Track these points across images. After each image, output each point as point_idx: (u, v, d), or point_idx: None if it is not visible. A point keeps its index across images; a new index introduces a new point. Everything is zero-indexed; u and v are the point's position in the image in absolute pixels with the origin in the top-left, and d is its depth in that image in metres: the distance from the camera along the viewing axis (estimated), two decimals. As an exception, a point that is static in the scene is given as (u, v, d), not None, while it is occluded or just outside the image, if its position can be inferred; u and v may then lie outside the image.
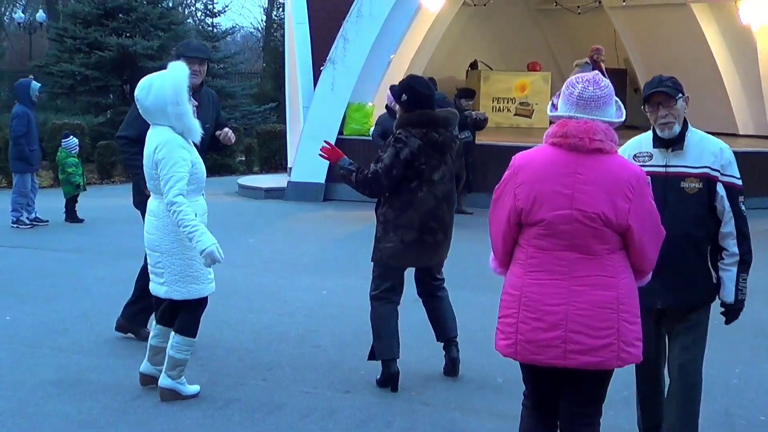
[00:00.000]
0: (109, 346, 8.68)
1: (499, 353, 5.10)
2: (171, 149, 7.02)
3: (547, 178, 4.84)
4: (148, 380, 7.44)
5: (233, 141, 8.71)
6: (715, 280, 5.87)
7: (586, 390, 5.04)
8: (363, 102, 21.28)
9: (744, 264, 5.81)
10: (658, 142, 5.85)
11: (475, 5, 28.40)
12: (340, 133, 20.89)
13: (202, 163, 7.31)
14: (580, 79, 4.94)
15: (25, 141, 16.45)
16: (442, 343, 7.95)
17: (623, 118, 4.98)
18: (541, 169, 4.88)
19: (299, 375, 7.97)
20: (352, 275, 11.82)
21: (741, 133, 24.14)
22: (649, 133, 5.94)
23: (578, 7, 28.38)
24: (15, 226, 16.45)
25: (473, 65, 28.91)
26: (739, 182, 5.81)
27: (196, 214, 7.02)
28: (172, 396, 7.29)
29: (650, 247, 4.96)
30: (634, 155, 5.92)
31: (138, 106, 7.23)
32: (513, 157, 5.03)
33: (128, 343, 8.66)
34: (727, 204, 5.74)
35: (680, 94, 5.81)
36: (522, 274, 4.92)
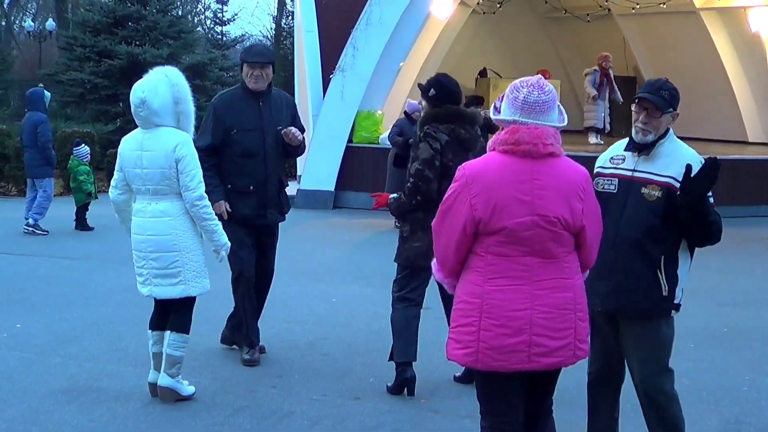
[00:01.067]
0: (120, 354, 8.70)
1: (456, 363, 5.12)
2: (190, 147, 7.23)
3: (504, 186, 4.81)
4: (156, 389, 7.45)
5: (300, 139, 8.53)
6: (665, 293, 5.64)
7: (543, 387, 5.14)
8: (372, 110, 21.32)
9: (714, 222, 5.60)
10: (631, 145, 5.77)
11: (484, 13, 28.46)
12: (350, 140, 20.94)
13: None
14: (525, 84, 4.92)
15: (52, 146, 16.92)
16: None
17: (565, 123, 4.99)
18: (497, 178, 4.83)
19: (309, 382, 7.98)
20: (362, 283, 11.84)
21: (750, 140, 24.12)
22: (629, 137, 5.87)
23: (587, 14, 28.40)
24: (29, 230, 16.58)
25: (482, 73, 28.96)
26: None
27: None
28: (172, 396, 7.34)
29: (596, 243, 5.09)
30: (611, 157, 5.88)
31: (140, 109, 7.25)
32: (460, 167, 4.98)
33: (138, 351, 8.67)
34: (696, 214, 5.52)
35: (671, 109, 5.70)
36: (482, 282, 4.86)
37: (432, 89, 7.68)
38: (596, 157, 6.08)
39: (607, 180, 5.80)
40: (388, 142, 17.74)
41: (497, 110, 4.99)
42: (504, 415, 5.04)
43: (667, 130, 5.75)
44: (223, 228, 8.08)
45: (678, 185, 5.50)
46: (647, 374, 5.77)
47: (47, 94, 17.36)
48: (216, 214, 7.70)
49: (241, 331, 8.58)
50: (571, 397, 7.67)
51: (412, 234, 7.66)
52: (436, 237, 5.07)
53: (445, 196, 4.99)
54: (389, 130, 18.08)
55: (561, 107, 5.01)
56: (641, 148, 5.73)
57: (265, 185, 8.41)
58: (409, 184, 7.57)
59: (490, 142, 4.98)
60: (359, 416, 7.22)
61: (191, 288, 7.31)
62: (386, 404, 7.48)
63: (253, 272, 8.46)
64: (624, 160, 5.79)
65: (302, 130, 8.73)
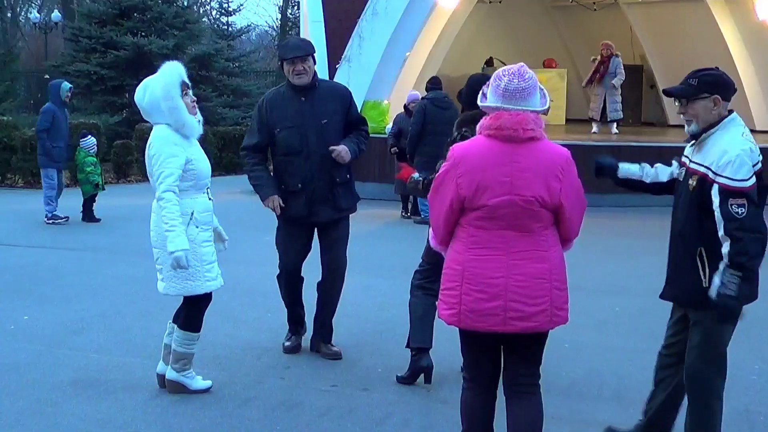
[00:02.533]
0: (127, 346, 8.70)
1: (443, 322, 5.50)
2: (161, 145, 7.08)
3: (487, 168, 5.21)
4: (164, 381, 7.46)
5: (346, 160, 8.28)
6: (705, 284, 5.59)
7: (524, 352, 5.46)
8: (379, 100, 21.31)
9: (734, 264, 5.45)
10: (690, 137, 5.84)
11: (490, 2, 28.42)
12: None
13: (205, 161, 7.30)
14: (506, 72, 5.28)
15: (47, 136, 16.94)
16: None
17: (547, 106, 5.34)
18: (481, 160, 5.24)
19: (317, 373, 7.98)
20: (371, 274, 11.83)
21: (757, 128, 24.10)
22: None
23: (594, 3, 28.36)
24: (50, 222, 16.78)
25: (489, 62, 28.88)
26: (737, 184, 5.48)
27: (193, 213, 7.12)
28: (178, 388, 7.33)
29: (577, 218, 5.41)
30: (684, 155, 5.95)
31: (140, 109, 7.28)
32: (450, 149, 5.42)
33: (146, 343, 8.67)
34: (717, 205, 5.49)
35: (705, 94, 5.66)
36: (464, 251, 5.32)
37: (462, 92, 7.63)
38: (595, 147, 6.17)
39: (681, 169, 5.92)
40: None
41: (484, 96, 5.37)
42: (479, 367, 5.54)
43: (722, 119, 5.70)
44: (278, 224, 8.32)
45: (710, 175, 5.54)
46: (689, 362, 5.82)
47: (65, 85, 17.42)
48: (271, 209, 8.00)
49: (322, 333, 8.57)
50: (580, 387, 7.68)
51: None
52: (430, 208, 5.56)
53: (438, 172, 5.49)
54: (390, 126, 18.13)
55: (544, 91, 5.37)
56: (695, 138, 5.79)
57: (311, 182, 8.17)
58: (432, 177, 7.53)
59: (477, 126, 5.39)
60: (368, 407, 7.21)
61: (169, 287, 7.22)
62: (395, 395, 7.47)
63: (296, 272, 8.42)
64: (690, 154, 5.86)
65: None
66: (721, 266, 5.47)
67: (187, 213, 7.11)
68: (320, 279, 8.48)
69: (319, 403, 7.25)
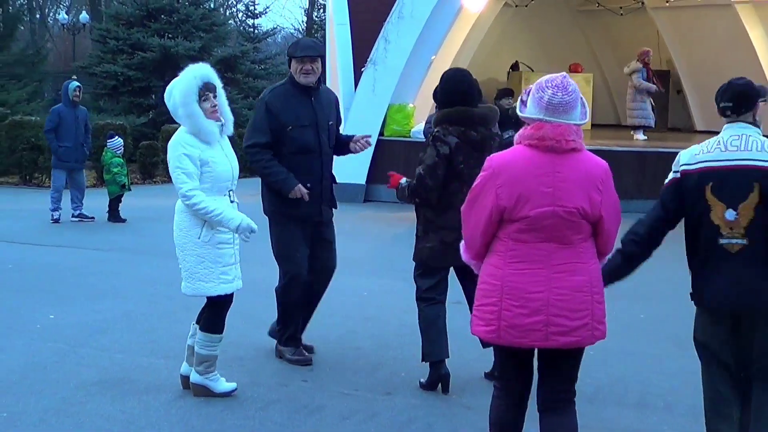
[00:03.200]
0: (151, 346, 8.72)
1: (478, 337, 5.47)
2: (175, 147, 7.13)
3: (529, 178, 5.15)
4: (187, 382, 7.47)
5: (364, 149, 8.60)
6: None
7: (563, 368, 5.40)
8: (404, 103, 21.29)
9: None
10: None
11: (516, 6, 28.36)
12: (381, 134, 20.90)
13: (225, 164, 7.25)
14: (550, 84, 5.20)
15: (54, 137, 17.22)
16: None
17: (587, 119, 5.33)
18: (522, 170, 5.18)
19: (340, 376, 7.98)
20: (393, 276, 11.82)
21: (785, 135, 23.96)
22: None
23: (620, 7, 28.27)
24: (76, 220, 17.11)
25: (514, 66, 28.86)
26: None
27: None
28: (202, 391, 7.34)
29: (613, 232, 5.37)
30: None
31: None
32: (488, 159, 5.36)
33: (170, 344, 8.69)
34: None
35: (763, 99, 5.79)
36: (502, 265, 5.23)
37: (437, 90, 7.63)
38: (621, 153, 6.14)
39: None
40: (420, 136, 17.74)
41: (524, 105, 5.30)
42: (514, 381, 5.45)
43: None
44: (280, 228, 8.22)
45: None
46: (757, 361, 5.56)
47: (71, 84, 17.65)
48: (290, 200, 7.98)
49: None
50: (604, 394, 7.65)
51: (425, 234, 7.65)
52: (464, 222, 5.43)
53: (474, 184, 5.34)
54: (420, 124, 18.08)
55: (584, 102, 5.30)
56: None
57: (320, 182, 8.25)
58: (412, 184, 7.53)
59: (516, 136, 5.31)
60: (390, 411, 7.21)
61: (185, 287, 7.26)
62: (418, 399, 7.46)
63: (305, 275, 8.28)
64: None
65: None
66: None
67: None
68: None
69: (342, 407, 7.25)
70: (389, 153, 20.83)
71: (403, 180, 7.72)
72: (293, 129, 8.11)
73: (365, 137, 8.56)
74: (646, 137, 22.56)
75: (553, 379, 5.41)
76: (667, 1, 26.33)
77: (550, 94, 5.17)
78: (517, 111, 5.36)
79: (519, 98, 5.38)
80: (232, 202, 7.30)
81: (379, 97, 20.92)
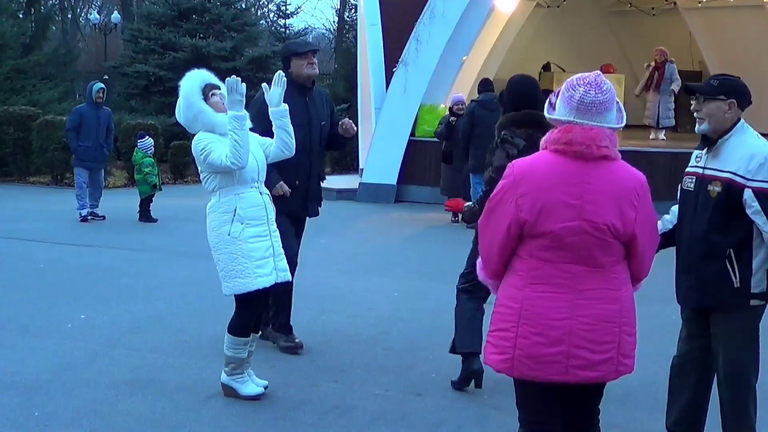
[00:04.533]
0: (183, 346, 8.73)
1: (492, 368, 4.93)
2: (197, 143, 7.19)
3: (553, 188, 4.61)
4: (225, 390, 7.48)
5: (353, 131, 8.70)
6: (737, 284, 5.66)
7: (583, 401, 5.00)
8: (435, 103, 21.30)
9: None
10: (701, 141, 5.86)
11: (548, 7, 28.29)
12: (412, 134, 20.92)
13: (252, 157, 7.24)
14: (582, 82, 4.68)
15: (75, 136, 17.52)
16: None
17: (623, 123, 4.77)
18: (546, 178, 4.63)
19: (371, 377, 7.96)
20: (424, 277, 11.81)
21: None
22: None
23: (652, 8, 28.15)
24: (81, 221, 17.27)
25: (546, 67, 28.79)
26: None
27: (236, 209, 7.12)
28: (230, 392, 7.36)
29: (650, 254, 4.86)
30: (696, 156, 5.93)
31: None
32: (509, 165, 4.81)
33: (201, 344, 8.71)
34: (758, 209, 5.55)
35: (722, 96, 5.73)
36: (522, 286, 4.70)
37: (503, 94, 7.60)
38: (658, 153, 6.16)
39: (689, 178, 5.89)
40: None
41: (552, 107, 4.80)
42: (541, 424, 4.92)
43: (734, 125, 5.76)
44: (278, 218, 8.06)
45: (737, 179, 5.57)
46: (727, 363, 5.81)
47: (96, 86, 17.88)
48: (280, 195, 8.19)
49: (283, 323, 8.77)
50: (635, 396, 7.60)
51: None
52: (481, 234, 4.92)
53: (493, 193, 4.83)
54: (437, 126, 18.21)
55: (620, 106, 4.76)
56: (708, 145, 5.79)
57: (308, 180, 8.59)
58: (483, 191, 7.50)
59: (542, 140, 4.81)
60: (421, 412, 7.19)
61: (225, 287, 7.25)
62: (449, 400, 7.44)
63: (296, 261, 8.61)
64: (701, 158, 5.86)
65: (336, 124, 8.79)
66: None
67: (230, 210, 7.15)
68: None
69: (373, 408, 7.24)
70: (420, 153, 20.86)
71: (467, 204, 7.72)
72: None
73: (348, 122, 8.67)
74: (660, 137, 22.60)
75: (573, 410, 4.99)
76: (699, 2, 26.20)
77: (581, 92, 4.63)
78: (545, 113, 4.83)
79: (548, 100, 4.85)
80: (261, 194, 7.32)
81: (411, 97, 20.93)
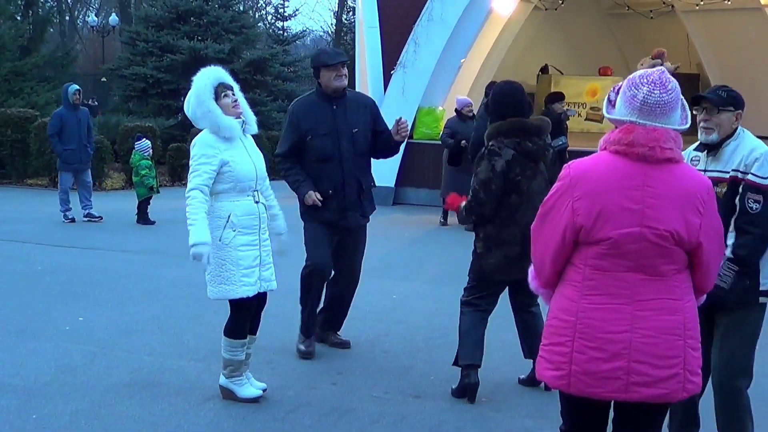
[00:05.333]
0: (181, 349, 8.72)
1: (547, 383, 4.66)
2: (196, 147, 7.16)
3: (612, 191, 4.31)
4: (224, 393, 7.47)
5: (406, 131, 8.55)
6: (748, 282, 5.73)
7: (645, 422, 4.58)
8: (433, 106, 21.31)
9: (735, 256, 5.66)
10: (701, 145, 5.90)
11: (546, 9, 28.31)
12: (410, 137, 20.88)
13: (247, 163, 7.19)
14: (645, 81, 4.37)
15: (58, 140, 17.62)
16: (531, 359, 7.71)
17: (688, 124, 4.45)
18: (605, 181, 4.33)
19: (370, 380, 7.95)
20: (422, 280, 11.81)
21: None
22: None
23: (650, 11, 28.16)
24: (64, 221, 17.45)
25: (544, 69, 28.81)
26: (758, 180, 5.67)
27: (230, 216, 7.09)
28: (228, 394, 7.35)
29: (715, 264, 4.55)
30: (691, 158, 5.95)
31: None
32: (566, 166, 4.48)
33: (199, 346, 8.70)
34: (737, 199, 5.69)
35: (730, 108, 5.79)
36: (578, 298, 4.39)
37: (489, 102, 7.58)
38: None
39: None
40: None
41: (612, 104, 4.51)
42: None
43: (735, 131, 5.83)
44: (308, 225, 8.50)
45: (739, 176, 5.67)
46: (727, 365, 5.86)
47: (71, 88, 17.98)
48: (309, 205, 8.30)
49: (332, 324, 8.93)
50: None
51: (486, 251, 7.43)
52: (533, 241, 4.60)
53: (547, 196, 4.52)
54: (443, 131, 18.11)
55: (685, 104, 4.47)
56: (710, 148, 5.84)
57: (343, 189, 8.44)
58: (466, 202, 7.47)
59: (601, 141, 4.50)
60: (420, 414, 7.17)
61: (210, 291, 7.25)
62: (447, 402, 7.43)
63: (326, 269, 8.51)
64: (699, 161, 5.89)
65: (385, 130, 8.71)
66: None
67: (224, 216, 7.12)
68: (333, 280, 8.73)
69: (372, 410, 7.22)
70: (418, 156, 20.86)
71: (463, 203, 7.66)
72: (312, 138, 8.39)
73: (399, 122, 8.49)
74: None
75: None
76: (696, 5, 26.21)
77: (645, 91, 4.33)
78: (604, 112, 4.54)
79: (606, 97, 4.57)
80: (257, 202, 7.26)
81: (409, 99, 20.93)
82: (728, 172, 5.74)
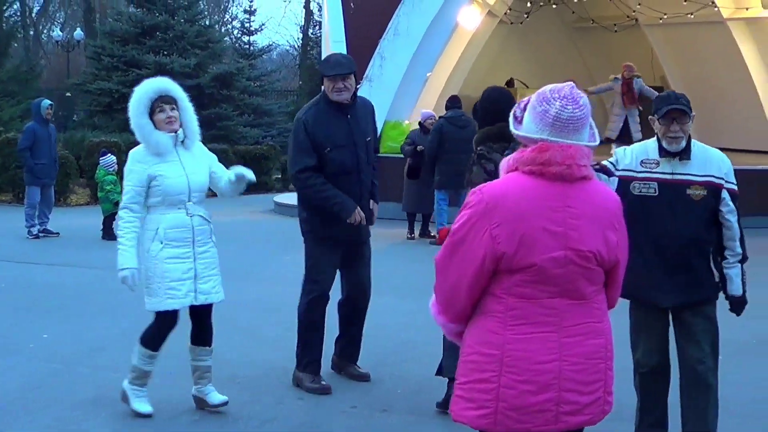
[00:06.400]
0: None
1: (467, 426, 4.35)
2: (128, 161, 7.23)
3: (533, 214, 4.08)
4: (201, 402, 7.45)
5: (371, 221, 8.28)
6: (717, 278, 6.19)
7: None
8: (399, 120, 21.34)
9: (745, 260, 6.18)
10: (664, 152, 6.07)
11: (511, 23, 28.40)
12: (377, 151, 20.86)
13: (177, 176, 7.13)
14: (557, 95, 4.16)
15: (30, 155, 17.57)
16: None
17: (597, 142, 4.25)
18: (524, 204, 4.09)
19: (337, 393, 7.93)
20: (389, 294, 11.79)
21: (779, 150, 24.04)
22: (654, 142, 6.15)
23: (615, 24, 28.29)
24: (29, 237, 17.35)
25: (509, 83, 28.84)
26: (736, 188, 6.11)
27: (158, 229, 7.09)
28: (125, 398, 7.33)
29: (622, 280, 4.42)
30: (641, 161, 6.12)
31: None
32: (476, 190, 4.21)
33: (165, 363, 8.63)
34: (733, 208, 6.05)
35: (691, 113, 6.07)
36: (501, 329, 4.11)
37: (478, 107, 7.56)
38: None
39: (644, 184, 6.08)
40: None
41: (518, 121, 4.27)
42: None
43: (689, 136, 6.11)
44: (312, 247, 8.03)
45: (718, 182, 6.02)
46: (703, 355, 6.12)
47: (45, 102, 17.99)
48: (355, 223, 7.86)
49: (349, 353, 8.42)
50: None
51: None
52: (440, 273, 4.30)
53: (455, 225, 4.23)
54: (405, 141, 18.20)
55: (592, 123, 4.28)
56: (680, 153, 6.05)
57: (360, 201, 7.98)
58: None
59: (509, 161, 4.26)
60: (388, 428, 7.18)
61: (145, 302, 7.29)
62: (414, 416, 7.43)
63: (329, 291, 8.09)
64: (658, 164, 6.08)
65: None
66: (739, 267, 6.16)
67: (152, 229, 7.13)
68: (344, 298, 8.30)
69: (339, 424, 7.22)
70: (385, 169, 20.80)
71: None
72: (330, 150, 7.85)
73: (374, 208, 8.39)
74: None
75: None
76: (660, 18, 26.37)
77: (558, 106, 4.11)
78: (511, 129, 4.29)
79: (512, 113, 4.32)
80: (190, 215, 7.20)
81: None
82: (702, 176, 6.02)
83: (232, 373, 8.30)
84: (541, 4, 27.08)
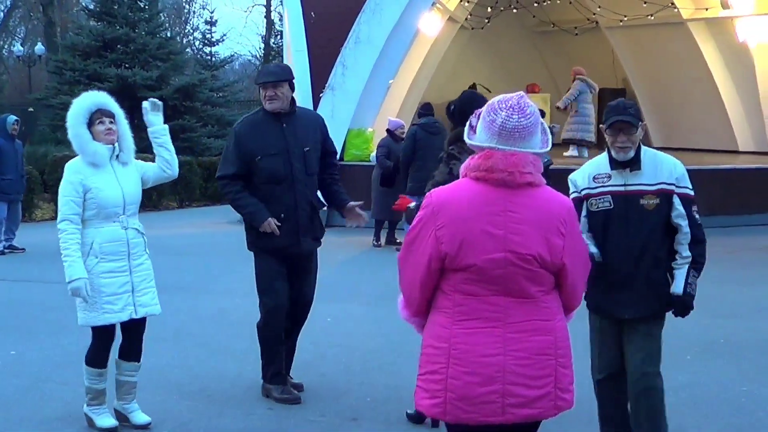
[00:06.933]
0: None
1: (424, 413, 4.73)
2: (65, 172, 7.20)
3: (475, 218, 4.31)
4: (118, 416, 7.43)
5: (361, 222, 8.43)
6: (672, 288, 6.17)
7: None
8: (363, 128, 21.35)
9: (696, 264, 6.10)
10: (615, 163, 6.10)
11: (473, 28, 28.52)
12: (341, 159, 20.88)
13: (111, 189, 7.12)
14: (504, 106, 4.37)
15: None
16: None
17: (548, 147, 4.48)
18: (467, 208, 4.33)
19: (306, 403, 7.94)
20: (356, 302, 11.82)
21: (741, 149, 24.15)
22: (605, 155, 6.19)
23: (575, 28, 28.46)
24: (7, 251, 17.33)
25: (472, 88, 28.92)
26: (692, 193, 6.12)
27: (93, 243, 7.08)
28: (90, 422, 7.29)
29: (581, 283, 4.60)
30: (593, 177, 6.16)
31: None
32: (428, 194, 4.52)
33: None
34: (683, 212, 6.04)
35: (640, 122, 6.09)
36: (449, 324, 4.37)
37: (452, 107, 7.56)
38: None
39: (599, 198, 6.11)
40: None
41: (473, 131, 4.52)
42: None
43: (640, 145, 6.13)
44: (259, 260, 8.02)
45: (669, 188, 6.03)
46: (649, 363, 6.12)
47: (11, 118, 17.89)
48: (268, 232, 7.79)
49: (287, 364, 8.30)
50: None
51: None
52: (400, 271, 4.58)
53: (411, 225, 4.51)
54: (377, 150, 18.17)
55: (546, 129, 4.51)
56: (630, 164, 6.07)
57: (295, 211, 7.92)
58: (416, 204, 7.49)
59: (462, 167, 4.53)
60: (357, 437, 7.19)
61: (79, 317, 7.28)
62: (383, 425, 7.44)
63: (285, 306, 8.06)
64: (610, 177, 6.12)
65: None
66: (686, 268, 6.08)
67: (87, 243, 7.11)
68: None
69: (309, 434, 7.23)
70: (349, 178, 20.79)
71: (412, 204, 7.66)
72: (262, 158, 7.85)
73: (358, 204, 8.36)
74: (576, 154, 22.79)
75: None
76: (620, 21, 26.54)
77: (503, 116, 4.33)
78: (465, 138, 4.55)
79: (468, 123, 4.57)
80: (125, 228, 7.19)
81: (338, 122, 20.92)
82: (654, 185, 6.03)
83: (201, 385, 8.29)
84: (502, 9, 27.18)
